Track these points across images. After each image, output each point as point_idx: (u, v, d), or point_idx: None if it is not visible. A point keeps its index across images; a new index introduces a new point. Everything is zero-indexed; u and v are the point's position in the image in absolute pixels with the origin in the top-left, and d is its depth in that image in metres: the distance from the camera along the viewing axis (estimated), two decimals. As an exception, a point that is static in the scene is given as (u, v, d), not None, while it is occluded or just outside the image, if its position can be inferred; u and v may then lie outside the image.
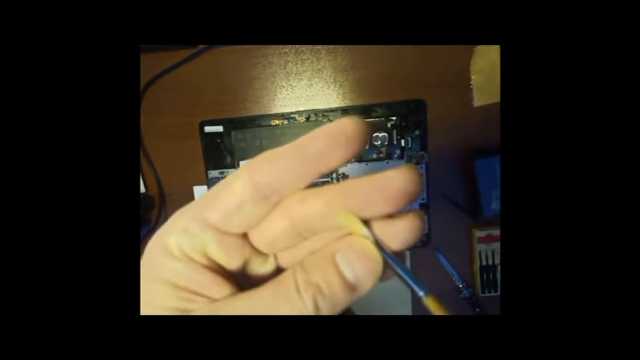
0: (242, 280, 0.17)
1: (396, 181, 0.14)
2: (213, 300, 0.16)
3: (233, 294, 0.16)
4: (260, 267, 0.17)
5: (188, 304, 0.16)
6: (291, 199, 0.15)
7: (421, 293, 0.15)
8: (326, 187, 0.15)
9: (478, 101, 0.48)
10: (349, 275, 0.15)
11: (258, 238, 0.16)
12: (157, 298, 0.16)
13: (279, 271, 0.17)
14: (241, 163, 0.48)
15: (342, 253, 0.15)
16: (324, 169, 0.15)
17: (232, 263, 0.16)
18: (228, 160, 0.49)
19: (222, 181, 0.16)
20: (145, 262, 0.16)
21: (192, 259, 0.16)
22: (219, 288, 0.16)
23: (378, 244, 0.15)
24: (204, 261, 0.16)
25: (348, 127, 0.14)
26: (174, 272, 0.16)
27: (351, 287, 0.15)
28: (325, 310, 0.15)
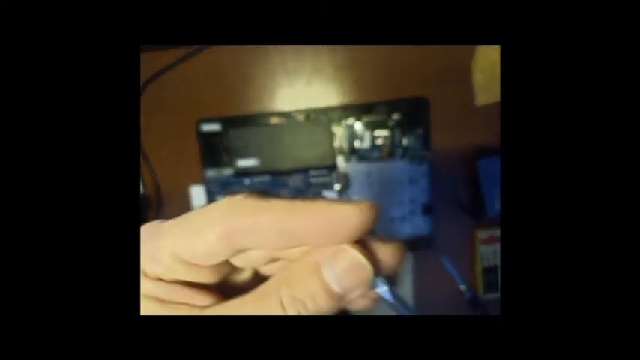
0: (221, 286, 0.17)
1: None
2: (201, 308, 0.16)
3: (216, 302, 0.16)
4: (238, 275, 0.18)
5: (177, 312, 0.16)
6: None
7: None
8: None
9: (480, 100, 0.48)
10: (336, 288, 0.14)
11: (235, 261, 0.17)
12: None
13: (257, 275, 0.18)
14: (238, 161, 0.48)
15: (328, 265, 0.14)
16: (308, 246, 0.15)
17: (207, 281, 0.16)
18: (226, 158, 0.49)
19: (196, 219, 0.15)
20: None
21: (166, 282, 0.16)
22: (202, 297, 0.16)
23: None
24: (179, 282, 0.16)
25: (354, 219, 0.14)
26: (154, 290, 0.16)
27: (338, 297, 0.15)
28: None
